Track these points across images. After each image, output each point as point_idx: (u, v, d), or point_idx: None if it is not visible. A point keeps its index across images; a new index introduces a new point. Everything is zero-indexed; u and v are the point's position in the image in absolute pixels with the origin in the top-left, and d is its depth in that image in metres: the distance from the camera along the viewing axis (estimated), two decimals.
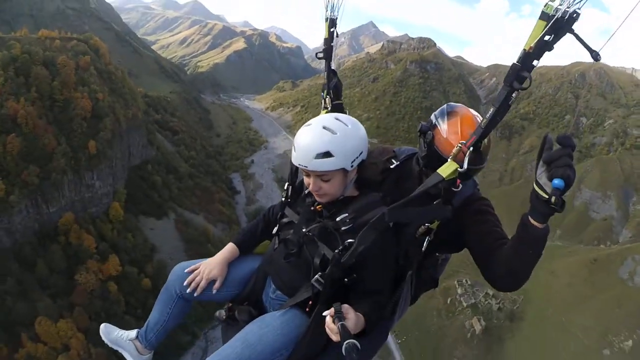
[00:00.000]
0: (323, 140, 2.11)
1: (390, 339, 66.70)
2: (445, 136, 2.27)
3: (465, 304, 72.55)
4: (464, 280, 75.01)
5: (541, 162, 1.64)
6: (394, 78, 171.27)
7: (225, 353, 2.06)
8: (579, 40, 1.63)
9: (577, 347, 61.79)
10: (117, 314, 56.34)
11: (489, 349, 65.94)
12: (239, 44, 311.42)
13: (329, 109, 2.78)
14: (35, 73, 72.13)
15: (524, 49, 1.71)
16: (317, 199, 2.29)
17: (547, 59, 1.73)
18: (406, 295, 2.43)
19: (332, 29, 2.79)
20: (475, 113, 2.32)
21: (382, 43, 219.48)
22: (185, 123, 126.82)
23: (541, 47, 1.68)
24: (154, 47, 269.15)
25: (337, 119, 2.22)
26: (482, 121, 1.97)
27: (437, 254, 2.65)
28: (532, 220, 1.75)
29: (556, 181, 1.56)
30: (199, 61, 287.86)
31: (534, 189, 1.67)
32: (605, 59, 2.15)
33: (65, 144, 67.53)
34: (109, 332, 2.73)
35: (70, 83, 74.86)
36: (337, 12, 2.75)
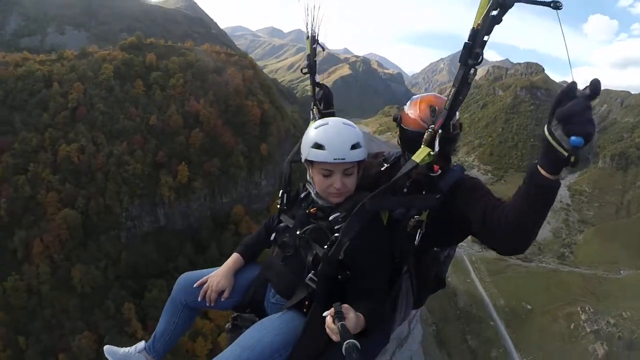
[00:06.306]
0: (351, 132, 2.19)
1: (516, 356, 69.07)
2: (407, 112, 2.42)
3: (588, 329, 73.17)
4: (587, 308, 77.30)
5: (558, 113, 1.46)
6: (505, 105, 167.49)
7: (224, 357, 2.06)
8: (531, 3, 1.59)
9: None
10: None
11: None
12: (344, 70, 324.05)
13: (317, 118, 2.87)
14: (212, 79, 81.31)
15: (472, 27, 1.70)
16: (333, 200, 2.27)
17: None
18: (407, 294, 2.42)
19: (314, 46, 2.91)
20: (439, 95, 2.46)
21: (487, 69, 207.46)
22: None
23: (490, 22, 1.67)
24: (264, 71, 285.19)
25: (343, 119, 2.34)
26: (445, 102, 2.00)
27: (436, 249, 2.56)
28: (542, 171, 1.60)
29: (574, 138, 1.39)
30: (306, 85, 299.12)
31: (547, 139, 1.49)
32: None
33: (242, 144, 74.77)
34: (114, 352, 2.77)
35: (241, 92, 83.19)
36: (318, 29, 2.85)
